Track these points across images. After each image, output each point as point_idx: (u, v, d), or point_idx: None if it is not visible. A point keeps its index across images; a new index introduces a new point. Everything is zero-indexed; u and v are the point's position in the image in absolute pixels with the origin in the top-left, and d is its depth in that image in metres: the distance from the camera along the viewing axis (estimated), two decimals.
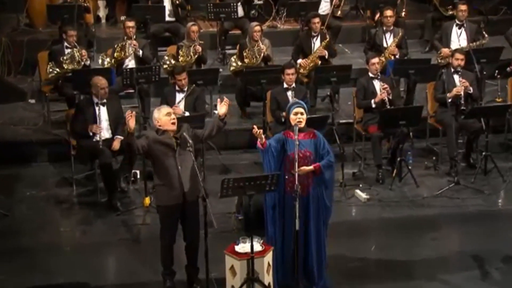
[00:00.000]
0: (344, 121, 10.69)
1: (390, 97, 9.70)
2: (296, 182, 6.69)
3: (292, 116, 7.00)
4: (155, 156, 7.06)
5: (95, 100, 9.22)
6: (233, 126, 10.67)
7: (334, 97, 10.61)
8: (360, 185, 9.52)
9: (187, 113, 9.58)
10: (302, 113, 6.97)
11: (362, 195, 9.25)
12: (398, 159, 9.46)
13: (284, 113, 8.90)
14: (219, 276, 7.16)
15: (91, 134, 9.10)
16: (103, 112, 9.18)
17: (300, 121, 6.94)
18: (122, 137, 9.16)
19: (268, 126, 9.99)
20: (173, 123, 7.05)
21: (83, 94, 10.15)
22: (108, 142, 9.15)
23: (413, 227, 8.61)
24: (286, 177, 6.97)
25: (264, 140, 6.85)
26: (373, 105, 9.76)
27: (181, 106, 9.70)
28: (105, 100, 9.21)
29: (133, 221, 8.79)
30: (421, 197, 9.26)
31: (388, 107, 9.59)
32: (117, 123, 9.27)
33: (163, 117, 7.03)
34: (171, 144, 7.02)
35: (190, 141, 6.91)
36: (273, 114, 9.86)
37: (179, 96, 9.75)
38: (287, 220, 7.03)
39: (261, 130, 6.89)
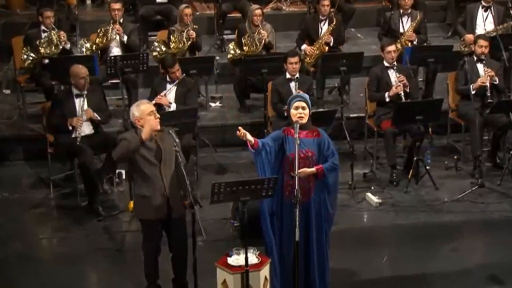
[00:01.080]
0: (354, 115, 10.60)
1: (407, 90, 9.55)
2: (296, 186, 6.49)
3: (292, 111, 6.82)
4: (136, 164, 6.87)
5: (75, 91, 9.05)
6: (231, 120, 10.55)
7: (343, 88, 10.44)
8: (372, 188, 9.38)
9: (173, 106, 9.38)
10: (303, 108, 6.78)
11: (373, 199, 9.10)
12: (415, 158, 9.29)
13: (285, 107, 8.86)
14: None
15: (70, 128, 8.91)
16: (83, 105, 8.99)
17: (301, 117, 6.76)
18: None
19: (270, 121, 9.87)
20: (158, 122, 6.85)
21: (63, 85, 9.99)
22: (89, 139, 8.97)
23: (431, 235, 8.44)
24: (285, 180, 6.81)
25: (254, 140, 6.71)
26: (387, 99, 9.60)
27: (171, 97, 9.51)
28: (85, 92, 9.02)
29: (116, 227, 8.66)
30: (440, 201, 9.11)
31: (404, 100, 9.42)
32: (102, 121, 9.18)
33: (145, 116, 6.82)
34: (155, 150, 6.83)
35: (177, 139, 6.73)
36: (274, 108, 9.72)
37: (169, 87, 9.55)
38: (286, 228, 6.88)
39: (245, 132, 6.72)
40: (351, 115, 10.52)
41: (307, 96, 6.97)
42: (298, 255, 6.56)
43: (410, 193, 9.27)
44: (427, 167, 9.48)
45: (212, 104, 11.02)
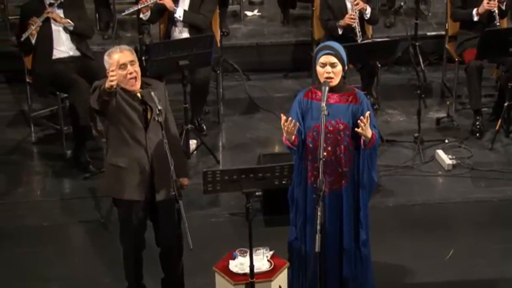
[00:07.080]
0: (433, 33, 10.13)
1: (503, 7, 8.84)
2: (320, 175, 5.75)
3: (318, 69, 6.12)
4: (114, 122, 6.17)
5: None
6: (269, 38, 10.22)
7: None
8: (446, 141, 8.75)
9: (179, 12, 8.60)
10: (333, 64, 6.03)
11: (445, 159, 8.40)
12: (506, 103, 8.61)
13: (341, 22, 8.75)
14: None
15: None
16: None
17: (331, 78, 6.04)
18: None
19: (316, 43, 9.22)
20: (132, 79, 6.07)
21: None
22: (74, 63, 8.45)
23: None
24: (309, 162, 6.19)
25: (294, 137, 6.00)
26: (475, 17, 8.95)
27: (185, 4, 8.73)
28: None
29: None
30: None
31: (498, 23, 8.69)
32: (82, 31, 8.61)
33: (117, 70, 5.97)
34: (139, 109, 6.15)
35: (159, 106, 5.97)
36: (324, 26, 9.12)
37: None
38: (311, 227, 6.22)
39: (294, 123, 5.91)
40: (429, 33, 10.09)
41: (338, 46, 6.18)
42: (320, 270, 5.94)
43: (498, 151, 8.66)
44: None
45: (249, 13, 10.73)
